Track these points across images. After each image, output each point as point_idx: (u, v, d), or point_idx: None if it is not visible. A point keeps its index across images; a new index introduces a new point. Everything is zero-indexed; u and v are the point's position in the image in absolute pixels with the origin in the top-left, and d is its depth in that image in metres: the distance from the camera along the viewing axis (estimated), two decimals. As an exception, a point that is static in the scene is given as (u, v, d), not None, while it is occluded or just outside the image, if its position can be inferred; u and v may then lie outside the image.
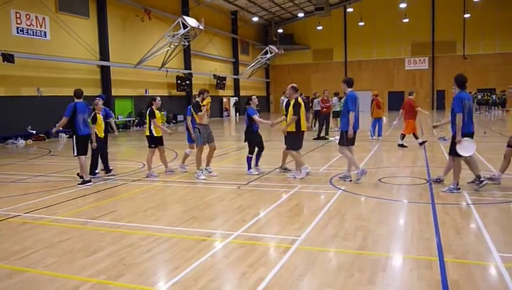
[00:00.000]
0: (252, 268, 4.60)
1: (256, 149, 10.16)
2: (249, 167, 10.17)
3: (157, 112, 10.33)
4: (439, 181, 8.58)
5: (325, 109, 18.39)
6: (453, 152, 7.82)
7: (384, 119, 17.77)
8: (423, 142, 14.54)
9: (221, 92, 40.69)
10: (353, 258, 4.85)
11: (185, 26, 26.23)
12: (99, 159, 10.81)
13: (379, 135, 16.96)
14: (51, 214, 7.10)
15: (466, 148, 7.66)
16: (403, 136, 14.53)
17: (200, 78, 36.75)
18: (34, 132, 21.49)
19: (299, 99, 9.53)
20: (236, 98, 43.05)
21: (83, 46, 24.65)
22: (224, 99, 42.06)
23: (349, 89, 9.20)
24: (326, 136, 17.71)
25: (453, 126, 7.74)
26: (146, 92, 30.00)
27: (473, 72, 40.45)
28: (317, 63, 49.37)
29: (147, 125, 10.47)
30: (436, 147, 14.37)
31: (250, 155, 10.16)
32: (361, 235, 5.61)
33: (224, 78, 39.90)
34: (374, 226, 6.00)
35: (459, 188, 7.79)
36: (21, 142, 20.31)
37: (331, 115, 19.55)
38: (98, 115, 10.62)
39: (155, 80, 30.95)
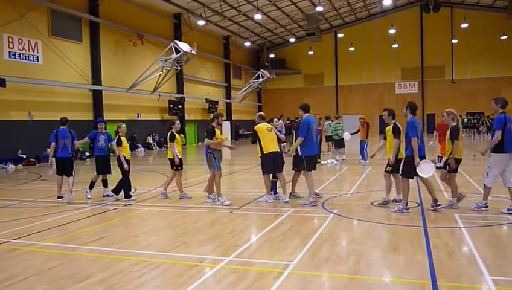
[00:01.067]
0: (244, 294, 4.55)
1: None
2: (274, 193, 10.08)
3: (177, 135, 10.39)
4: (386, 203, 8.88)
5: (317, 133, 18.45)
6: (404, 173, 8.22)
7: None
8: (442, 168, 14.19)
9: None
10: (346, 283, 4.82)
11: (177, 51, 26.43)
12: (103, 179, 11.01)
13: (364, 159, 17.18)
14: (41, 240, 7.00)
15: (425, 169, 8.06)
16: (440, 158, 14.36)
17: (192, 103, 36.90)
18: (24, 156, 21.34)
19: (257, 126, 9.78)
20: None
21: (75, 70, 24.74)
22: (217, 123, 42.10)
23: (306, 114, 9.33)
24: (318, 160, 17.75)
25: (406, 149, 8.19)
26: (138, 116, 30.01)
27: (462, 96, 41.16)
28: (309, 88, 49.81)
29: (168, 149, 10.56)
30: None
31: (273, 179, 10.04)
32: (354, 259, 5.58)
33: (216, 102, 40.09)
34: (366, 250, 5.99)
35: (408, 208, 8.16)
36: (11, 166, 20.14)
37: (324, 139, 19.65)
38: (122, 137, 10.58)
39: (147, 104, 31.00)
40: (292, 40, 46.26)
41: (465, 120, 39.01)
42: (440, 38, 44.31)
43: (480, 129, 37.76)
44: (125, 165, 10.32)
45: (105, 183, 11.21)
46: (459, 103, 40.51)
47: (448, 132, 8.62)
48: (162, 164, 19.54)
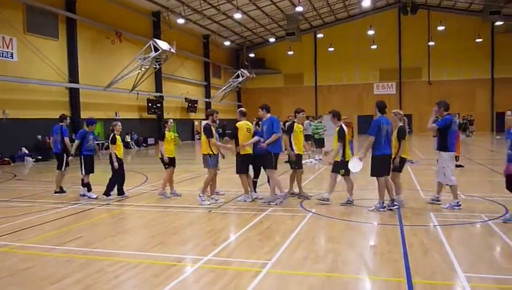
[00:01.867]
0: (222, 293, 4.55)
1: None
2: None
3: (169, 133, 10.43)
4: (349, 203, 8.98)
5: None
6: (374, 173, 8.41)
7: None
8: (460, 166, 14.49)
9: (192, 115, 40.65)
10: (323, 281, 4.87)
11: (156, 49, 26.25)
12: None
13: None
14: (15, 240, 6.86)
15: (355, 166, 8.48)
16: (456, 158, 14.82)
17: (171, 101, 36.68)
18: (-1, 155, 20.92)
19: (238, 123, 9.76)
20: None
21: (51, 67, 24.30)
22: (196, 123, 42.01)
23: (268, 115, 9.33)
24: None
25: (373, 148, 8.37)
26: (116, 115, 29.67)
27: (438, 97, 41.22)
28: (288, 87, 50.04)
29: (158, 148, 10.56)
30: (403, 170, 14.59)
31: (255, 179, 10.01)
32: (332, 258, 5.64)
33: (195, 102, 39.93)
34: (344, 249, 6.05)
35: (384, 207, 8.32)
36: (-15, 166, 19.71)
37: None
38: (117, 136, 10.42)
39: (126, 103, 30.69)
40: (272, 39, 46.40)
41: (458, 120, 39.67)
42: (417, 40, 45.09)
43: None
44: (115, 164, 10.17)
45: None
46: (435, 104, 41.11)
47: (395, 132, 8.81)
48: (140, 163, 19.39)
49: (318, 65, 49.17)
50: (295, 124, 9.96)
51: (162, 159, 10.40)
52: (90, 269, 5.37)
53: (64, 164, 11.25)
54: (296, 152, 9.76)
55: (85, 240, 6.83)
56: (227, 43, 44.11)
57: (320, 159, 18.22)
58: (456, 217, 7.73)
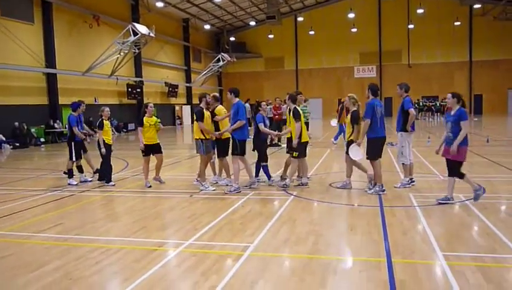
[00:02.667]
0: (204, 277, 4.56)
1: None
2: (269, 176, 9.61)
3: (149, 119, 9.83)
4: (286, 186, 9.07)
5: (277, 116, 18.58)
6: (370, 156, 8.50)
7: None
8: None
9: (173, 100, 40.29)
10: (305, 263, 4.91)
11: (135, 33, 25.82)
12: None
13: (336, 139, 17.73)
14: (-8, 228, 6.76)
15: (356, 154, 8.56)
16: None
17: (151, 86, 36.25)
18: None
19: (218, 107, 9.79)
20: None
21: (27, 52, 23.71)
22: (177, 108, 41.67)
23: (237, 99, 9.00)
24: (279, 143, 17.88)
25: (369, 130, 8.41)
26: (95, 101, 29.22)
27: (418, 80, 42.27)
28: (269, 71, 49.91)
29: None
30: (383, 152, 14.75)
31: (264, 163, 9.60)
32: (313, 240, 5.69)
33: (176, 86, 39.55)
34: (325, 230, 6.11)
35: (384, 190, 8.35)
36: (-40, 153, 19.28)
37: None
38: (105, 121, 10.25)
39: (105, 88, 30.23)
40: (252, 23, 46.05)
41: (421, 103, 40.38)
42: (397, 24, 45.27)
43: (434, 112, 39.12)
44: (103, 150, 10.01)
45: (81, 169, 10.87)
46: (415, 87, 41.34)
47: (348, 116, 8.92)
48: (120, 149, 19.21)
49: (299, 49, 49.08)
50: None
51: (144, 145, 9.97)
52: (71, 256, 5.32)
53: (73, 153, 10.70)
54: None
55: (65, 227, 6.76)
56: (207, 26, 43.65)
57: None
58: (435, 198, 7.85)
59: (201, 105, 9.31)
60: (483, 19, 43.36)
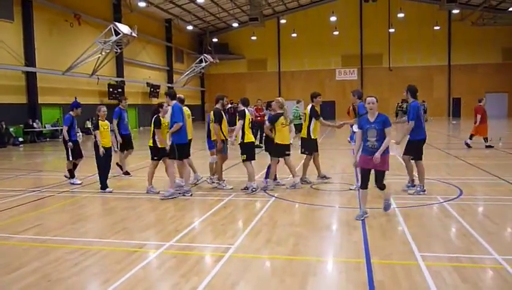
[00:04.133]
0: (185, 278, 4.56)
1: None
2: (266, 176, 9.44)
3: (163, 120, 9.01)
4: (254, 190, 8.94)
5: (259, 118, 18.60)
6: (417, 157, 8.47)
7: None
8: (490, 146, 15.90)
9: (155, 101, 39.97)
10: (285, 264, 4.95)
11: (117, 33, 25.57)
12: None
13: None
14: (-31, 229, 6.63)
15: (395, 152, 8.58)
16: (471, 136, 16.17)
17: (133, 86, 35.95)
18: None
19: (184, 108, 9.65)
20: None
21: (6, 50, 23.27)
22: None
23: (173, 101, 8.82)
24: (261, 145, 17.91)
25: (412, 132, 8.43)
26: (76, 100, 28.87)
27: (398, 83, 42.79)
28: (252, 73, 49.96)
29: (150, 134, 9.12)
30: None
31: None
32: (293, 241, 5.73)
33: (158, 87, 39.28)
34: (305, 232, 6.16)
35: (424, 190, 8.40)
36: None
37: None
38: (101, 122, 9.72)
39: (86, 88, 29.87)
40: (235, 24, 46.05)
41: (404, 105, 40.88)
42: (378, 27, 45.79)
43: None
44: (101, 150, 9.39)
45: (72, 173, 10.66)
46: (395, 90, 42.24)
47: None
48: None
49: (281, 51, 49.26)
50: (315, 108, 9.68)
51: (154, 147, 9.09)
52: (49, 258, 5.26)
53: (69, 153, 10.45)
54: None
55: (44, 228, 6.67)
56: (190, 27, 43.50)
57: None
58: (413, 200, 7.98)
59: (217, 106, 9.36)
60: (462, 24, 44.19)
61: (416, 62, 46.06)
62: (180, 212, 7.51)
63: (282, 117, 9.09)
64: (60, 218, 7.36)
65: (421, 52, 45.64)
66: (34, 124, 24.66)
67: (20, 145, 22.73)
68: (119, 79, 33.11)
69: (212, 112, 9.40)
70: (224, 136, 9.35)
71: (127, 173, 11.41)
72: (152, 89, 38.30)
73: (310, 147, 9.68)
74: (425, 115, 39.29)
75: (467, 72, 45.05)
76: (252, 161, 9.03)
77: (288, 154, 9.36)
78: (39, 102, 25.42)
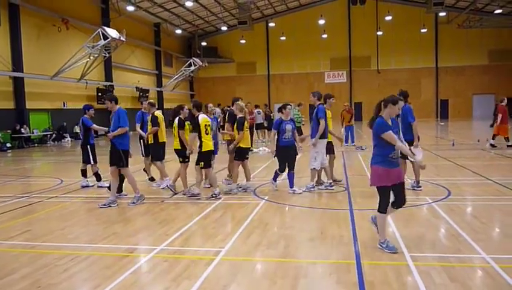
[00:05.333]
0: (175, 282, 4.55)
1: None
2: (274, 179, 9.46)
3: (186, 122, 8.95)
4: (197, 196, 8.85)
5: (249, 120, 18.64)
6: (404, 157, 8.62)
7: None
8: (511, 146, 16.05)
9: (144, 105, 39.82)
10: (276, 266, 4.96)
11: (105, 37, 25.45)
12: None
13: (352, 142, 18.28)
14: (-44, 236, 6.56)
15: (420, 154, 8.66)
16: (494, 136, 16.33)
17: (122, 91, 35.72)
18: None
19: (155, 112, 10.01)
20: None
21: (-8, 56, 23.11)
22: (148, 112, 41.18)
23: (117, 106, 8.72)
24: (250, 147, 17.92)
25: (406, 134, 8.52)
26: (64, 105, 28.70)
27: (386, 85, 43.10)
28: (241, 76, 49.99)
29: (175, 137, 9.00)
30: (353, 156, 15.04)
31: (278, 171, 9.36)
32: (284, 243, 5.75)
33: (147, 91, 39.14)
34: (296, 234, 6.18)
35: (420, 186, 8.89)
36: None
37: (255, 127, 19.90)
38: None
39: (74, 93, 29.68)
40: (224, 28, 46.06)
41: None
42: (366, 30, 46.09)
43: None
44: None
45: (99, 176, 10.62)
46: (384, 92, 41.92)
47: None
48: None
49: (270, 54, 49.37)
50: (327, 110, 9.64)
51: (180, 151, 9.00)
52: (39, 264, 5.22)
53: (90, 156, 10.45)
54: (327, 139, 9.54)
55: (33, 234, 6.62)
56: (178, 31, 43.44)
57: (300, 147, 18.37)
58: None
59: (233, 108, 9.56)
60: (448, 26, 44.66)
61: (404, 64, 46.45)
62: (170, 216, 7.50)
63: (245, 121, 9.22)
64: (49, 224, 7.30)
65: (409, 55, 46.03)
66: (22, 129, 24.45)
67: (8, 151, 22.52)
68: (108, 83, 32.95)
69: (227, 114, 9.78)
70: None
71: (152, 179, 10.84)
72: (141, 93, 38.16)
73: (329, 147, 9.64)
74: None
75: (454, 74, 45.56)
76: (210, 167, 8.98)
77: (247, 158, 9.51)
78: (27, 107, 25.22)
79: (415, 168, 8.84)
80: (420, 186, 8.90)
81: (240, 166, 9.44)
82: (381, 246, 5.39)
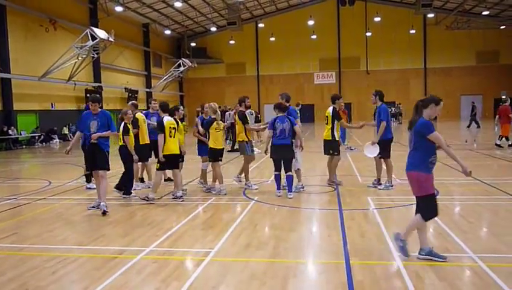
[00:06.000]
0: (165, 283, 4.54)
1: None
2: (278, 187, 8.96)
3: (182, 123, 9.28)
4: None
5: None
6: (385, 155, 9.10)
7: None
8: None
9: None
10: (266, 267, 4.97)
11: (93, 38, 25.28)
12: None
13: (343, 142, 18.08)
14: None
15: (373, 151, 9.05)
16: (501, 137, 16.57)
17: (110, 92, 35.59)
18: None
19: (137, 114, 10.06)
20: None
21: (-21, 56, 22.83)
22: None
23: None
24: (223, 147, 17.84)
25: (384, 132, 9.01)
26: (52, 107, 28.44)
27: (376, 86, 42.62)
28: (231, 77, 49.96)
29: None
30: (343, 156, 15.05)
31: (276, 172, 8.94)
32: (273, 244, 5.76)
33: (136, 92, 38.95)
34: (285, 234, 6.19)
35: (392, 185, 9.20)
36: None
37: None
38: (129, 125, 9.35)
39: (62, 94, 29.44)
40: (213, 29, 46.00)
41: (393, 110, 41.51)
42: (355, 31, 46.31)
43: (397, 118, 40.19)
44: (136, 157, 9.20)
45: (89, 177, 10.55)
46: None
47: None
48: (78, 155, 18.76)
49: (260, 55, 49.42)
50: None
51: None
52: (26, 266, 5.17)
53: None
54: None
55: (20, 236, 6.56)
56: (167, 32, 43.30)
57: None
58: (391, 201, 8.12)
59: (241, 108, 9.73)
60: (437, 28, 45.06)
61: (393, 65, 46.78)
62: (159, 217, 7.47)
63: (215, 122, 9.18)
64: (37, 226, 7.23)
65: (398, 56, 46.38)
66: (10, 131, 24.19)
67: (-5, 152, 22.26)
68: (97, 84, 32.72)
69: (236, 115, 9.88)
70: (247, 137, 9.65)
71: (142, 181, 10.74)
72: (130, 94, 37.96)
73: (336, 147, 9.65)
74: (400, 118, 40.11)
75: (442, 75, 45.98)
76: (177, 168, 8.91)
77: (221, 160, 9.42)
78: (14, 109, 24.96)
79: (386, 167, 9.22)
80: (392, 185, 9.19)
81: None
82: (425, 255, 4.92)
